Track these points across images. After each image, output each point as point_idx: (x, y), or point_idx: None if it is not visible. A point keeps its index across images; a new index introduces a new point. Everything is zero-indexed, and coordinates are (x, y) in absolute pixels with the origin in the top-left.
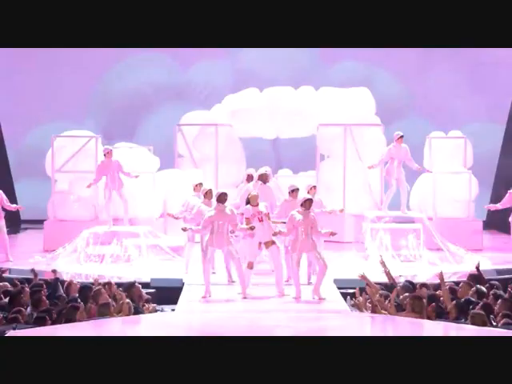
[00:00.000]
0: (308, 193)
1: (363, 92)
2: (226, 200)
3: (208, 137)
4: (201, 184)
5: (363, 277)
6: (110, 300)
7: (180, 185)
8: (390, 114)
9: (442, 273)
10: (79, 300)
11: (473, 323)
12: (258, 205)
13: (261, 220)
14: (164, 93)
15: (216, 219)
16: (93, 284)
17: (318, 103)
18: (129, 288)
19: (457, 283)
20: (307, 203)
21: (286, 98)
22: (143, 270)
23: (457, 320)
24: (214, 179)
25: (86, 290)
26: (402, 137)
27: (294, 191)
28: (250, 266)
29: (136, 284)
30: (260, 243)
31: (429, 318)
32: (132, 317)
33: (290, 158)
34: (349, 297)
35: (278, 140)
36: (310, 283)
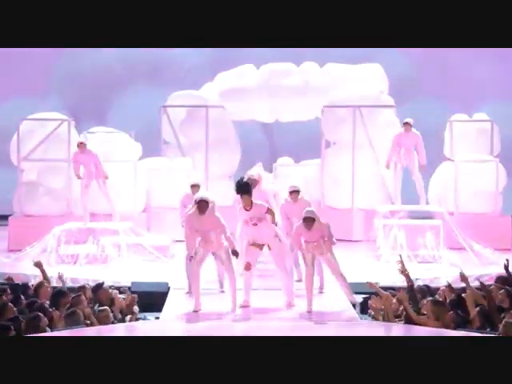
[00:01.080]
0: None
1: (375, 68)
2: (205, 209)
3: (197, 120)
4: (197, 186)
5: (371, 285)
6: (77, 308)
7: (165, 175)
8: (405, 93)
9: (464, 274)
10: (50, 306)
11: (505, 333)
12: (250, 209)
13: (255, 224)
14: (142, 68)
15: (199, 228)
16: (68, 289)
17: (323, 82)
18: (95, 290)
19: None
20: (308, 223)
21: (286, 76)
22: (123, 272)
23: (481, 329)
24: (204, 169)
25: (58, 295)
26: (406, 123)
27: (292, 193)
28: (247, 267)
29: (104, 285)
30: (260, 245)
31: (447, 327)
32: (108, 326)
33: (291, 144)
34: (358, 303)
35: (277, 124)
36: (321, 292)
